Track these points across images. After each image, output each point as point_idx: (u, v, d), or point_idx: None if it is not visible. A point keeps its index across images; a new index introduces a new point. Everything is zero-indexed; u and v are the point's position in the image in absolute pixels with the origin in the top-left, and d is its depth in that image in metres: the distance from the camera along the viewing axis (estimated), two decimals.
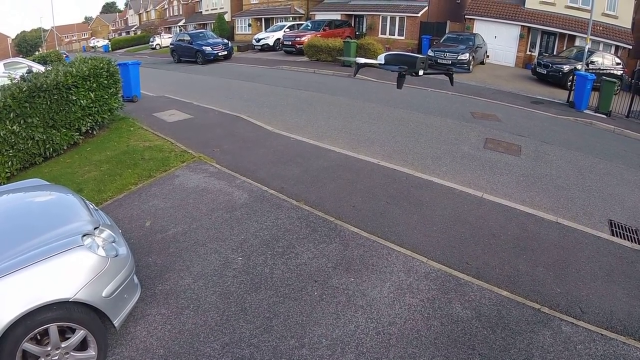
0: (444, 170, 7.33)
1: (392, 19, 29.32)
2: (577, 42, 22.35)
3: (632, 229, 5.88)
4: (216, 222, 5.14)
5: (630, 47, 21.96)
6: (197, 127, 10.07)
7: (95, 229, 3.45)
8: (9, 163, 7.91)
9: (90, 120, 9.27)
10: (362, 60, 5.21)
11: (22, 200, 4.22)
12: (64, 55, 34.34)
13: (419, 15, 27.73)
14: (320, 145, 8.28)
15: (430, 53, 20.59)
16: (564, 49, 22.39)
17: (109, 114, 9.91)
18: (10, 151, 7.90)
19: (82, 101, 8.92)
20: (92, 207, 4.13)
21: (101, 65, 9.54)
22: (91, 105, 9.18)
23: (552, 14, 23.58)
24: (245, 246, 4.64)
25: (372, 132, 9.47)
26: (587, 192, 7.05)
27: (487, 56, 24.19)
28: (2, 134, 7.70)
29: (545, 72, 18.86)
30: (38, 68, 15.55)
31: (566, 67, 18.09)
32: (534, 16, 23.85)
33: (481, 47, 22.52)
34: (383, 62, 4.87)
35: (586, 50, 17.00)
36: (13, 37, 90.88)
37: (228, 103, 12.61)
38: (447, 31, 26.03)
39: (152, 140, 8.92)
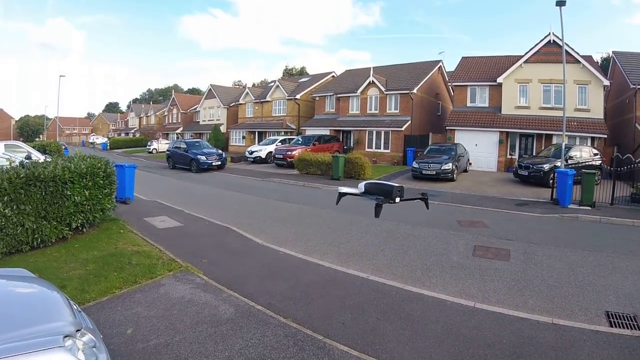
0: (434, 282, 7.38)
1: (378, 133, 31.40)
2: (554, 140, 23.77)
3: (629, 317, 5.87)
4: (200, 336, 5.05)
5: (605, 136, 23.50)
6: (187, 235, 10.19)
7: (77, 331, 3.38)
8: None
9: (81, 217, 9.39)
10: (344, 189, 5.44)
11: (4, 289, 4.18)
12: (63, 147, 35.21)
13: (402, 129, 29.76)
14: (309, 259, 8.38)
15: (415, 165, 21.80)
16: (542, 148, 23.66)
17: (101, 213, 10.05)
18: None
19: (76, 197, 9.12)
20: (75, 307, 4.11)
21: (99, 165, 9.90)
22: (85, 202, 9.36)
23: (527, 117, 25.46)
24: None
25: (361, 245, 9.63)
26: (580, 287, 7.10)
27: (470, 164, 25.43)
28: None
29: (526, 174, 19.72)
30: (37, 155, 15.94)
31: (546, 166, 18.96)
32: (511, 121, 25.68)
33: (463, 156, 23.66)
34: (363, 190, 5.24)
35: (563, 147, 18.01)
36: (17, 119, 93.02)
37: (219, 213, 12.87)
38: (429, 142, 27.64)
39: (140, 245, 8.98)
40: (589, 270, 8.02)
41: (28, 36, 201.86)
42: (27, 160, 10.61)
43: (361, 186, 5.25)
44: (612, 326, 5.65)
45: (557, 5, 17.54)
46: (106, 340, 4.96)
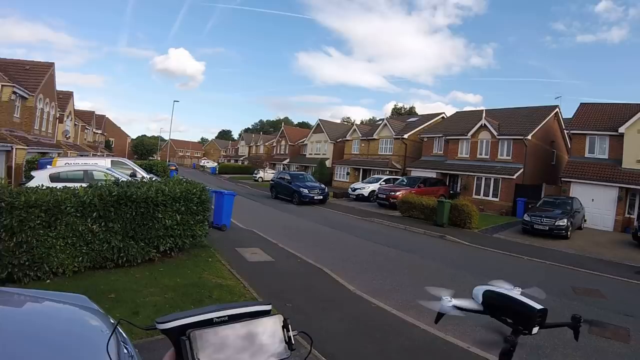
0: (535, 352, 6.19)
1: (487, 179, 29.48)
2: None
3: None
4: None
5: None
6: (276, 273, 9.71)
7: None
8: (80, 259, 8.01)
9: (171, 242, 9.29)
10: (449, 301, 3.37)
11: (51, 321, 3.79)
12: (173, 168, 37.28)
13: (514, 177, 27.69)
14: (404, 317, 7.36)
15: (526, 218, 20.04)
16: None
17: (192, 239, 9.89)
18: (84, 248, 8.04)
19: (167, 220, 9.06)
20: (126, 352, 3.58)
21: (194, 190, 9.79)
22: (175, 226, 9.27)
23: None
24: None
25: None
26: None
27: (585, 220, 22.98)
28: (80, 229, 7.92)
29: None
30: (142, 174, 16.58)
31: None
32: (632, 176, 23.09)
33: (579, 212, 21.53)
34: (480, 300, 3.48)
35: None
36: (133, 137, 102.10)
37: (313, 251, 12.31)
38: (542, 194, 25.54)
39: (225, 278, 8.61)
40: None
41: (151, 63, 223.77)
42: (130, 178, 10.89)
43: (477, 293, 3.51)
44: None
45: None
46: None
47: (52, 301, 4.23)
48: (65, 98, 37.52)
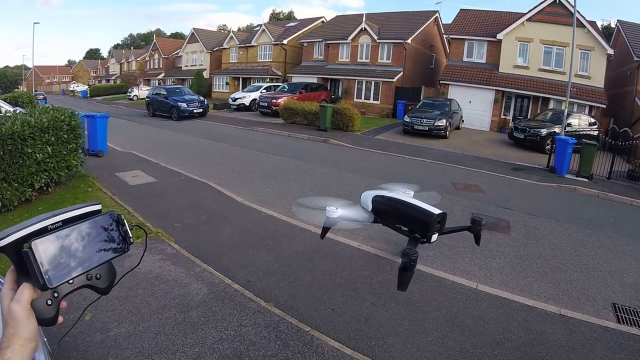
0: (431, 255, 6.52)
1: (368, 83, 29.93)
2: (551, 104, 23.10)
3: (637, 312, 5.30)
4: (167, 325, 4.27)
5: (604, 106, 22.63)
6: (160, 193, 9.27)
7: None
8: None
9: (45, 177, 8.35)
10: (335, 212, 3.19)
11: None
12: (41, 97, 33.27)
13: (394, 80, 28.34)
14: (293, 223, 7.51)
15: (407, 119, 20.79)
16: (538, 111, 22.86)
17: (67, 171, 9.01)
18: None
19: (38, 155, 8.03)
20: None
21: (62, 117, 8.77)
22: (47, 160, 8.30)
23: (525, 78, 24.36)
24: None
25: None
26: (585, 272, 6.49)
27: (463, 121, 24.44)
28: None
29: (522, 137, 18.87)
30: (6, 109, 14.68)
31: (544, 131, 18.18)
32: (508, 80, 24.56)
33: (457, 113, 22.65)
34: (370, 207, 3.22)
35: (565, 113, 17.07)
36: None
37: (197, 166, 11.93)
38: (422, 96, 26.48)
39: (108, 206, 8.03)
40: (591, 253, 7.37)
41: None
42: None
43: (366, 200, 3.26)
44: (620, 322, 5.03)
45: None
46: (62, 330, 4.20)
47: None
48: None
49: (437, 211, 3.02)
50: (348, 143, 17.38)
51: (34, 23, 66.64)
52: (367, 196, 3.24)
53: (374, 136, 20.06)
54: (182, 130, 20.70)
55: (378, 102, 29.37)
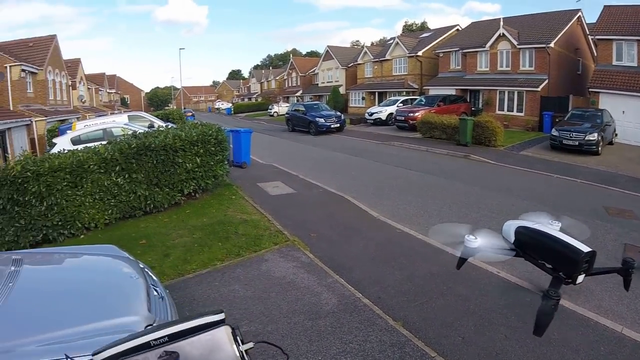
0: (576, 289, 5.67)
1: (510, 93, 27.79)
2: None
3: None
4: (294, 330, 4.44)
5: None
6: (298, 204, 9.77)
7: (147, 326, 2.93)
8: (109, 211, 8.42)
9: (193, 184, 9.48)
10: (473, 242, 3.00)
11: (83, 273, 3.96)
12: (190, 114, 37.21)
13: (538, 89, 25.91)
14: (429, 242, 7.24)
15: (554, 133, 18.93)
16: None
17: (214, 179, 10.04)
18: (112, 201, 8.42)
19: (187, 164, 9.22)
20: (156, 294, 3.68)
21: (210, 132, 9.84)
22: (196, 169, 9.42)
23: None
24: None
25: (496, 228, 8.15)
26: None
27: (616, 135, 21.58)
28: (106, 184, 8.27)
29: None
30: (159, 124, 16.62)
31: None
32: None
33: (610, 125, 20.14)
34: (512, 238, 2.97)
35: None
36: (147, 90, 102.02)
37: (334, 179, 12.31)
38: (570, 107, 23.95)
39: (249, 214, 8.72)
40: None
41: (153, 16, 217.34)
42: (148, 129, 10.91)
43: (509, 229, 3.08)
44: None
45: None
46: None
47: (83, 254, 4.37)
48: (74, 66, 37.66)
49: (586, 249, 2.66)
50: (490, 159, 16.44)
51: (180, 49, 75.27)
52: (510, 226, 2.98)
53: (519, 152, 18.65)
54: (320, 144, 21.55)
55: (522, 114, 27.09)
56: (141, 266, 4.14)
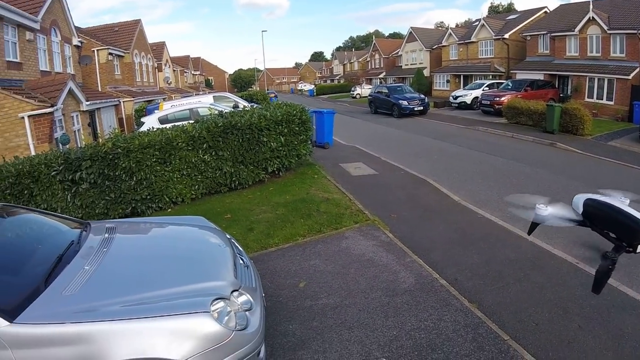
0: None
1: (600, 81, 25.69)
2: None
3: None
4: (371, 305, 4.60)
5: None
6: (380, 185, 9.87)
7: (234, 291, 3.26)
8: (196, 187, 8.96)
9: (277, 162, 9.83)
10: (544, 210, 3.20)
11: (174, 240, 4.30)
12: (273, 95, 38.18)
13: (629, 77, 23.64)
14: (510, 229, 7.13)
15: None
16: None
17: (297, 158, 10.36)
18: (199, 177, 8.95)
19: (272, 143, 9.55)
20: (242, 262, 3.96)
21: (294, 112, 10.10)
22: (280, 148, 9.74)
23: None
24: (394, 346, 3.96)
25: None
26: None
27: None
28: (193, 161, 8.77)
29: None
30: (244, 104, 17.21)
31: None
32: None
33: None
34: (581, 209, 3.10)
35: None
36: (230, 72, 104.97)
37: (416, 162, 12.27)
38: None
39: (331, 192, 8.94)
40: None
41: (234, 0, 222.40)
42: (233, 109, 11.41)
43: (578, 202, 3.22)
44: None
45: None
46: (276, 292, 4.90)
47: (174, 224, 4.76)
48: (159, 49, 39.60)
49: None
50: (577, 148, 15.48)
51: (262, 31, 75.99)
52: (579, 199, 3.09)
53: (607, 142, 17.35)
54: (402, 127, 21.38)
55: (612, 103, 25.00)
56: (228, 237, 4.46)
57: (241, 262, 3.96)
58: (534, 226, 3.49)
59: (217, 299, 3.03)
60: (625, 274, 5.34)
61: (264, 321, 3.37)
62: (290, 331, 4.21)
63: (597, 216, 3.07)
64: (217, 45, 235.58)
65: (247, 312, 3.20)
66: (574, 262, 5.92)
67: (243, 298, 3.30)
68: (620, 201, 2.94)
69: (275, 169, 9.87)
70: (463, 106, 29.33)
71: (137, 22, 32.04)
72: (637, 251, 2.79)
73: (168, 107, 15.99)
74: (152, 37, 43.47)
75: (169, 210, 8.61)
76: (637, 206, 3.01)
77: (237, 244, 4.48)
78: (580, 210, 3.13)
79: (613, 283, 5.23)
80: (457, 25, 62.13)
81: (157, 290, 3.04)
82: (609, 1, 29.69)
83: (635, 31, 24.25)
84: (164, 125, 10.32)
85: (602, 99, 25.81)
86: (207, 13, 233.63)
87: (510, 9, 70.62)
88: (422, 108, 26.35)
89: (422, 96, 27.86)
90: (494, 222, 7.49)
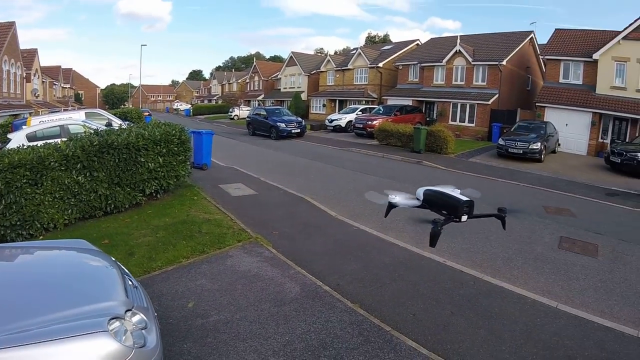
0: (515, 274, 6.65)
1: (463, 106, 29.65)
2: None
3: None
4: (262, 316, 4.80)
5: None
6: (260, 205, 10.07)
7: (127, 311, 3.23)
8: (69, 211, 8.29)
9: (155, 184, 9.55)
10: (395, 197, 4.54)
11: (59, 264, 4.09)
12: (146, 114, 36.84)
13: (489, 102, 27.89)
14: (383, 237, 7.87)
15: (501, 142, 20.60)
16: (637, 135, 21.19)
17: (176, 180, 10.15)
18: (72, 200, 8.30)
19: (150, 164, 9.27)
20: (131, 283, 3.92)
21: (173, 132, 9.95)
22: (158, 169, 9.50)
23: (623, 99, 22.84)
24: (288, 349, 4.22)
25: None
26: None
27: (559, 145, 23.62)
28: (67, 182, 8.15)
29: (619, 161, 17.83)
30: (117, 122, 16.52)
31: None
32: (605, 102, 23.28)
33: (553, 136, 22.05)
34: (421, 198, 4.31)
35: None
36: (103, 87, 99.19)
37: (294, 182, 12.69)
38: (517, 119, 25.84)
39: (212, 213, 8.95)
40: None
41: (114, 8, 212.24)
42: (106, 128, 10.95)
43: (420, 193, 4.40)
44: None
45: None
46: (165, 314, 4.86)
47: (54, 248, 4.54)
48: (30, 56, 36.29)
49: (465, 199, 4.00)
50: (441, 165, 17.37)
51: (142, 45, 72.84)
52: (421, 189, 4.31)
53: (468, 159, 19.78)
54: (280, 148, 21.90)
55: (473, 125, 28.93)
56: (113, 259, 4.37)
57: (130, 283, 3.93)
58: (389, 208, 4.68)
59: (112, 318, 2.99)
60: (489, 266, 6.23)
61: (160, 339, 3.39)
62: (186, 350, 4.23)
63: (433, 200, 4.20)
64: (91, 57, 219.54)
65: (143, 331, 3.20)
66: (441, 261, 6.77)
67: (137, 317, 3.28)
68: (450, 190, 4.17)
69: (153, 191, 9.58)
70: (338, 129, 30.99)
71: (11, 25, 28.97)
72: (462, 220, 3.96)
73: (36, 123, 14.93)
74: (23, 42, 39.37)
75: (41, 237, 7.80)
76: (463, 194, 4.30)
77: (122, 266, 4.41)
78: (421, 198, 4.23)
79: (477, 275, 6.17)
80: (335, 53, 65.18)
81: (47, 315, 2.91)
82: (475, 36, 33.77)
83: (496, 63, 27.84)
84: (33, 143, 9.55)
85: (464, 122, 29.40)
86: (84, 20, 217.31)
87: (385, 40, 76.19)
88: (299, 130, 27.25)
89: (300, 119, 28.89)
90: (369, 233, 8.13)
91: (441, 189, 4.23)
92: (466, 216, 3.97)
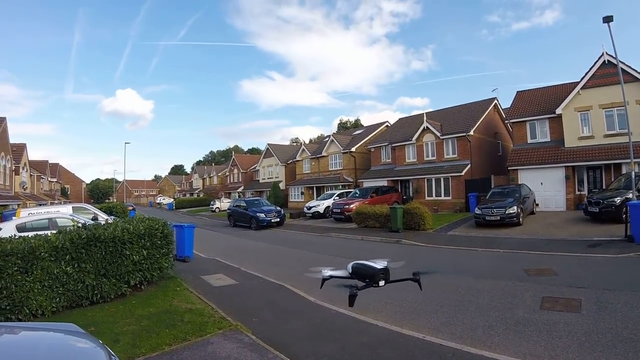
0: (496, 341, 6.81)
1: (437, 180, 30.62)
2: (624, 169, 21.75)
3: None
4: None
5: None
6: (240, 293, 10.37)
7: None
8: (57, 299, 8.61)
9: (139, 275, 9.93)
10: (327, 272, 5.30)
11: (49, 345, 4.21)
12: (130, 208, 37.30)
13: (462, 174, 28.81)
14: (360, 318, 8.12)
15: (477, 211, 20.89)
16: (612, 180, 21.56)
17: (159, 272, 10.52)
18: (60, 289, 8.67)
19: (134, 256, 9.73)
20: None
21: (157, 226, 10.52)
22: (143, 261, 9.94)
23: (593, 148, 23.58)
24: None
25: (418, 303, 9.18)
26: None
27: (537, 204, 23.98)
28: (55, 272, 8.56)
29: (597, 210, 18.06)
30: (103, 217, 16.99)
31: (618, 200, 17.30)
32: (576, 154, 23.85)
33: (529, 197, 22.44)
34: (350, 271, 5.01)
35: (633, 176, 16.54)
36: (88, 182, 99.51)
37: (274, 271, 13.03)
38: (492, 185, 26.27)
39: (194, 303, 9.22)
40: None
41: (99, 106, 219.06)
42: (93, 222, 11.43)
43: (349, 267, 5.04)
44: None
45: (604, 22, 16.91)
46: None
47: (45, 330, 4.82)
48: (19, 150, 37.69)
49: (381, 267, 4.68)
50: (421, 242, 17.79)
51: (125, 143, 75.14)
52: (350, 264, 4.92)
53: (447, 232, 20.22)
54: (261, 238, 22.32)
55: (450, 198, 29.80)
56: (100, 342, 4.67)
57: None
58: (323, 281, 5.38)
59: None
60: (469, 337, 6.57)
61: None
62: None
63: (358, 271, 4.85)
64: (77, 152, 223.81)
65: None
66: (420, 337, 7.00)
67: None
68: (374, 262, 4.82)
69: (137, 282, 9.92)
70: (317, 215, 31.68)
71: (1, 121, 30.20)
72: (380, 285, 4.54)
73: (25, 215, 15.51)
74: (11, 135, 40.37)
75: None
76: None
77: (110, 350, 4.70)
78: (350, 270, 4.91)
79: (457, 346, 6.46)
80: (310, 141, 67.91)
81: None
82: (441, 111, 35.65)
83: (464, 134, 29.17)
84: (22, 234, 9.98)
85: (440, 196, 30.25)
86: (70, 117, 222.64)
87: (357, 124, 79.86)
88: (279, 220, 27.91)
89: (279, 208, 29.67)
90: (347, 315, 8.37)
91: (366, 262, 4.93)
92: (383, 281, 4.60)
